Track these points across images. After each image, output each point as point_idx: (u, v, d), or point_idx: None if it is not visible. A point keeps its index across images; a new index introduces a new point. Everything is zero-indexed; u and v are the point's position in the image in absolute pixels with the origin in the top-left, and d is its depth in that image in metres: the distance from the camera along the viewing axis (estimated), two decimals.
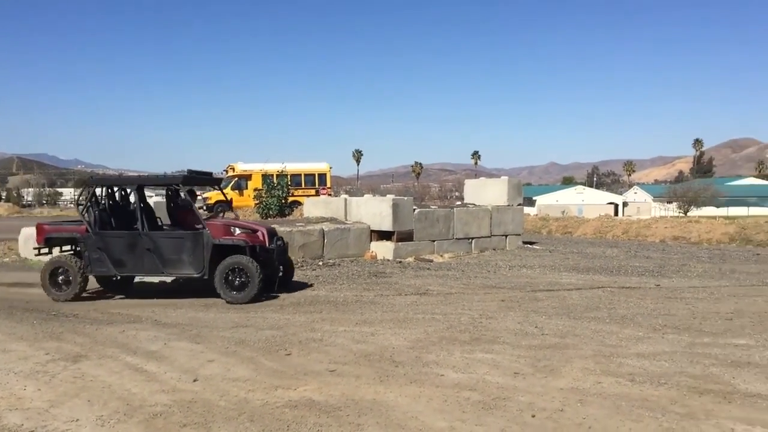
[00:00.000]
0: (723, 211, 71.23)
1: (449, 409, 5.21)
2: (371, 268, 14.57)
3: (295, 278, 12.14)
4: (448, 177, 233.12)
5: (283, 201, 25.89)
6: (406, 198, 18.53)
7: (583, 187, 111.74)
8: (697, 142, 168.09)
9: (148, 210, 11.37)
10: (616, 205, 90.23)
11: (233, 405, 5.37)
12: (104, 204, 11.13)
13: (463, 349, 7.13)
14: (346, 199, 18.39)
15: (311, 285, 12.05)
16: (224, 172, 32.63)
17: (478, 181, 23.43)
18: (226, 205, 30.31)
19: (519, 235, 20.50)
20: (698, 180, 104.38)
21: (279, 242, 11.29)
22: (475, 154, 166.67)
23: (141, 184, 11.41)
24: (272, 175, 28.04)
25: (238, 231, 10.78)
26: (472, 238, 18.69)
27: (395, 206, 16.62)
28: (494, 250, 19.06)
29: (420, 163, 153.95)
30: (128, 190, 11.50)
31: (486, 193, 20.83)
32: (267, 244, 10.84)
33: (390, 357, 6.81)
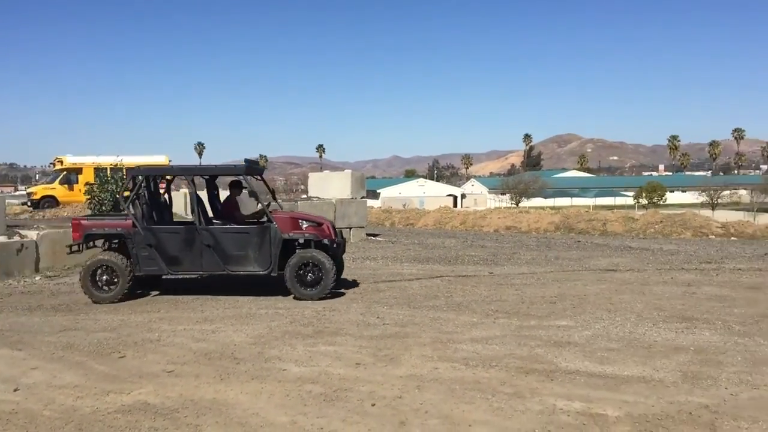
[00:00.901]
0: (550, 202, 76.66)
1: (291, 404, 5.22)
2: None
3: None
4: (294, 170, 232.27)
5: (118, 196, 24.59)
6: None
7: (425, 180, 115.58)
8: (527, 137, 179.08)
9: (165, 203, 10.88)
10: (455, 197, 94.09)
11: (59, 414, 5.04)
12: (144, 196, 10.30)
13: (305, 343, 7.15)
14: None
15: None
16: (51, 166, 30.43)
17: (323, 174, 23.57)
18: (53, 200, 28.47)
19: (363, 227, 20.86)
20: (528, 173, 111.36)
21: (341, 237, 10.87)
22: (320, 147, 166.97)
23: (197, 174, 10.68)
24: (106, 169, 26.51)
25: (306, 224, 10.18)
26: None
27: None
28: None
29: (265, 156, 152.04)
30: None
31: (330, 186, 21.00)
32: (333, 238, 10.33)
33: (231, 354, 6.70)
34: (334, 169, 36.93)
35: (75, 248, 10.24)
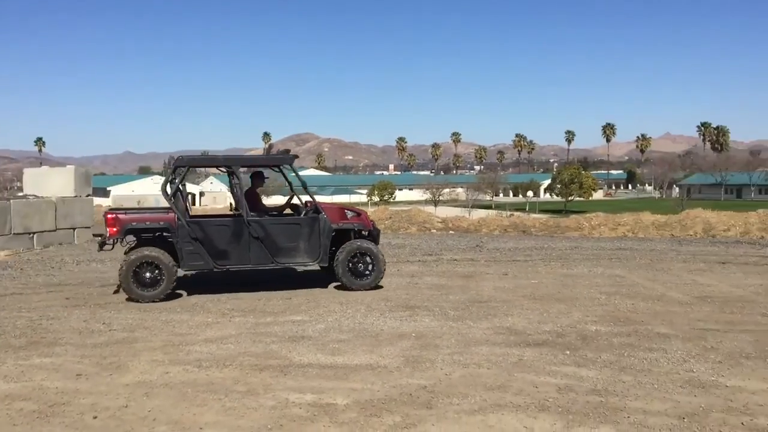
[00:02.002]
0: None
1: None
2: None
3: None
4: (7, 165, 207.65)
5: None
6: None
7: (161, 176, 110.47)
8: (266, 136, 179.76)
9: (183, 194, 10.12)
10: (194, 195, 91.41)
11: None
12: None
13: (17, 356, 6.43)
14: None
15: None
16: None
17: (41, 170, 21.39)
18: None
19: (89, 227, 19.33)
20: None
21: (375, 227, 10.69)
22: (39, 141, 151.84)
23: (243, 165, 10.45)
24: None
25: (351, 214, 10.22)
26: (34, 233, 16.98)
27: None
28: (61, 244, 17.64)
29: None
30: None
31: (50, 184, 19.11)
32: (373, 228, 10.37)
33: None
34: (56, 164, 33.78)
35: (108, 244, 9.57)
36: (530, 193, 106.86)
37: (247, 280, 10.89)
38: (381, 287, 10.21)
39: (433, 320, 8.05)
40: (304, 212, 10.24)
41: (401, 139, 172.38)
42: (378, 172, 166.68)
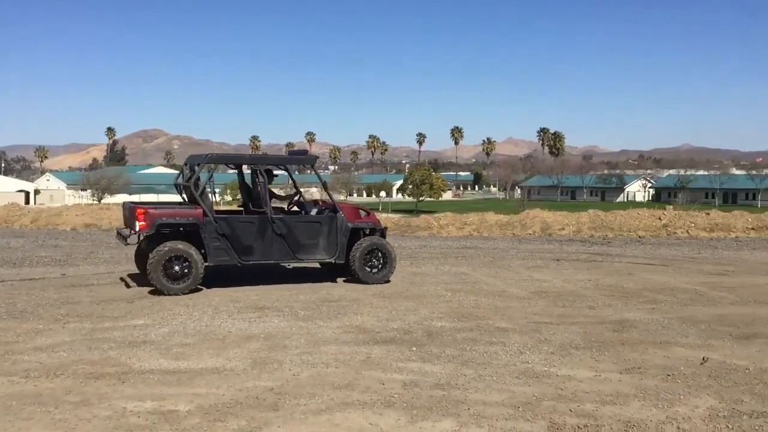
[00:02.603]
0: (135, 198, 73.99)
1: None
2: None
3: None
4: None
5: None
6: None
7: None
8: (110, 131, 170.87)
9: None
10: (28, 193, 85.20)
11: None
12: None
13: None
14: None
15: None
16: None
17: None
18: None
19: None
20: (111, 168, 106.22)
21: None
22: None
23: (269, 164, 11.09)
24: None
25: (363, 213, 10.87)
26: None
27: None
28: None
29: None
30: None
31: None
32: (380, 226, 11.08)
33: None
34: None
35: (138, 239, 10.10)
36: (383, 194, 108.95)
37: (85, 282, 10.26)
38: (389, 281, 10.75)
39: (283, 321, 7.97)
40: (317, 210, 10.85)
41: (255, 138, 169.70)
42: (231, 171, 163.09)
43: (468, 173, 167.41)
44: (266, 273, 11.53)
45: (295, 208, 11.11)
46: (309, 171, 15.53)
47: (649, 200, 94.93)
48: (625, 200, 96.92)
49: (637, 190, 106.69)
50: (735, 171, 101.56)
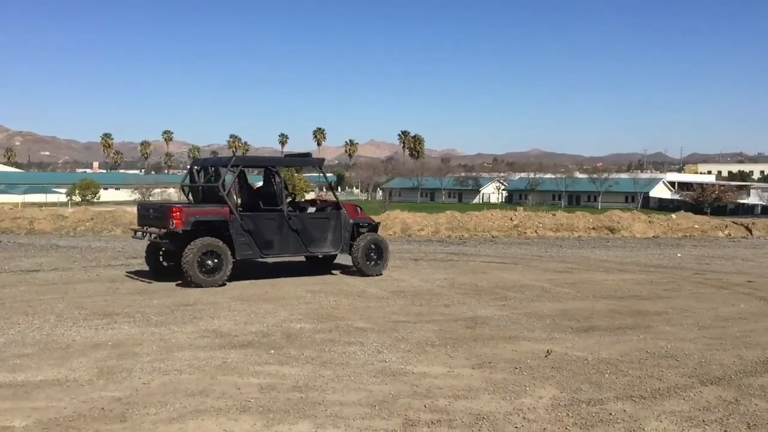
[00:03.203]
0: None
1: None
2: None
3: None
4: None
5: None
6: None
7: None
8: None
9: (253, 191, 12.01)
10: None
11: None
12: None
13: None
14: None
15: None
16: None
17: None
18: None
19: None
20: None
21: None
22: None
23: (287, 166, 13.04)
24: None
25: (359, 210, 12.17)
26: None
27: None
28: None
29: None
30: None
31: None
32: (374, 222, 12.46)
33: None
34: None
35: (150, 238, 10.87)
36: None
37: None
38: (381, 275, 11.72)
39: (134, 327, 7.60)
40: (320, 207, 12.03)
41: (107, 136, 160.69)
42: (80, 170, 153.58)
43: (331, 174, 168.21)
44: (119, 278, 10.96)
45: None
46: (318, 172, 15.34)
47: (502, 202, 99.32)
48: (481, 202, 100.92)
49: (492, 192, 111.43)
50: (579, 174, 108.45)
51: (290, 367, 6.11)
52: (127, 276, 11.54)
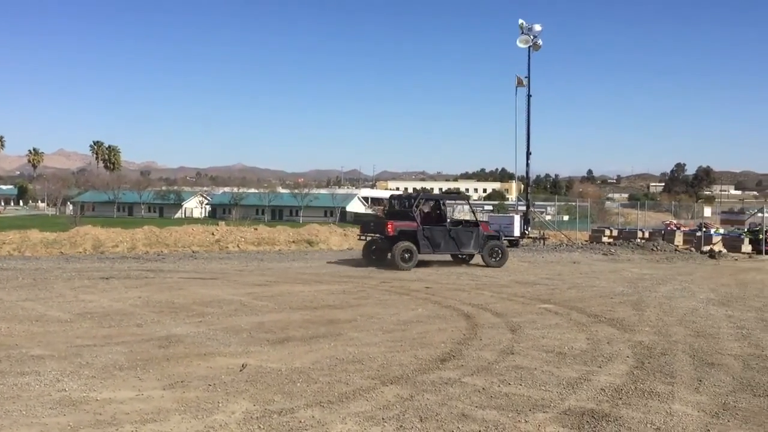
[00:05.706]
0: None
1: None
2: None
3: None
4: None
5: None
6: None
7: None
8: None
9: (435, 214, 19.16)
10: None
11: None
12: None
13: None
14: None
15: None
16: None
17: None
18: None
19: None
20: None
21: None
22: None
23: (445, 199, 20.34)
24: None
25: (490, 226, 19.78)
26: None
27: None
28: None
29: None
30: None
31: None
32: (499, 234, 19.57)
33: None
34: None
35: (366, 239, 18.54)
36: None
37: None
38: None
39: None
40: (465, 224, 19.18)
41: None
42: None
43: (11, 187, 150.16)
44: None
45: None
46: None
47: (206, 216, 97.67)
48: (183, 216, 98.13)
49: (195, 206, 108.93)
50: (281, 189, 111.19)
51: None
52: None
